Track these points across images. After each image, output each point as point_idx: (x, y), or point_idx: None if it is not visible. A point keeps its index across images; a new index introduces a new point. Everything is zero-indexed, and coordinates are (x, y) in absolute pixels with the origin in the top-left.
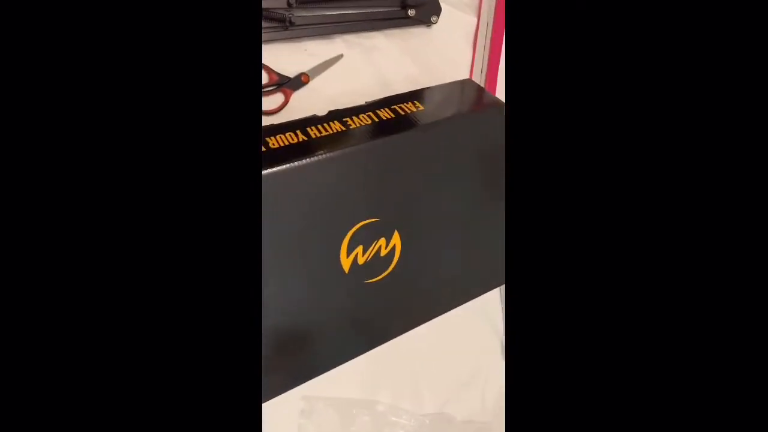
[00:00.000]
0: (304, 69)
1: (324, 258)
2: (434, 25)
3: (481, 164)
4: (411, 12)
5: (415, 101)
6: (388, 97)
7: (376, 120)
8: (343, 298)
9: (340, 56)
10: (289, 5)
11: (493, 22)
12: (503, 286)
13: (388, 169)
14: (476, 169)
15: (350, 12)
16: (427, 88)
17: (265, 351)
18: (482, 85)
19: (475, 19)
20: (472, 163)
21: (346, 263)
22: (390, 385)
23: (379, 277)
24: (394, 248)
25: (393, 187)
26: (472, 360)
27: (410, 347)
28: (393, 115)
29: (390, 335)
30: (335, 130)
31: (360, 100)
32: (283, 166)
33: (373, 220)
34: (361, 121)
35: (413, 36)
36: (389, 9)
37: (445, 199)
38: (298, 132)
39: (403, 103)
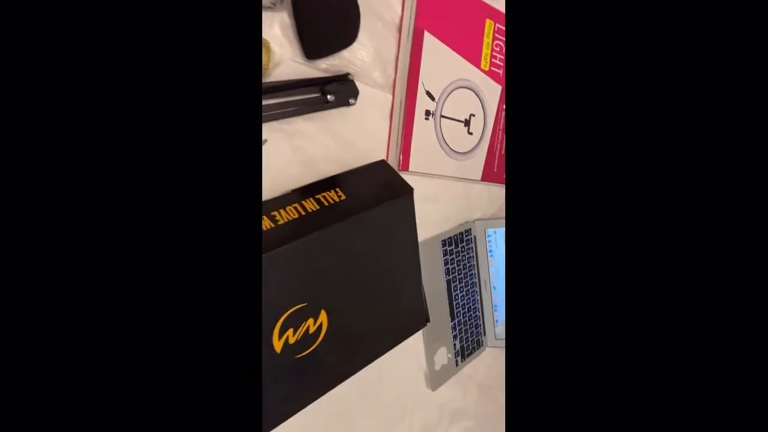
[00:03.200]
0: None
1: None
2: (353, 106)
3: (395, 237)
4: (330, 97)
5: (337, 189)
6: (312, 184)
7: (303, 213)
8: (275, 375)
9: (265, 141)
10: None
11: (406, 99)
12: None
13: (315, 261)
14: (391, 241)
15: (273, 102)
16: (348, 172)
17: None
18: (398, 153)
19: (391, 96)
20: (387, 239)
21: (278, 345)
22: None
23: (308, 351)
24: (321, 325)
25: (318, 274)
26: (401, 396)
27: (342, 392)
28: (317, 207)
29: (323, 391)
30: (265, 228)
31: (287, 185)
32: None
33: (301, 305)
34: (288, 215)
35: (333, 117)
36: (310, 96)
37: (366, 272)
38: None
39: (326, 191)
